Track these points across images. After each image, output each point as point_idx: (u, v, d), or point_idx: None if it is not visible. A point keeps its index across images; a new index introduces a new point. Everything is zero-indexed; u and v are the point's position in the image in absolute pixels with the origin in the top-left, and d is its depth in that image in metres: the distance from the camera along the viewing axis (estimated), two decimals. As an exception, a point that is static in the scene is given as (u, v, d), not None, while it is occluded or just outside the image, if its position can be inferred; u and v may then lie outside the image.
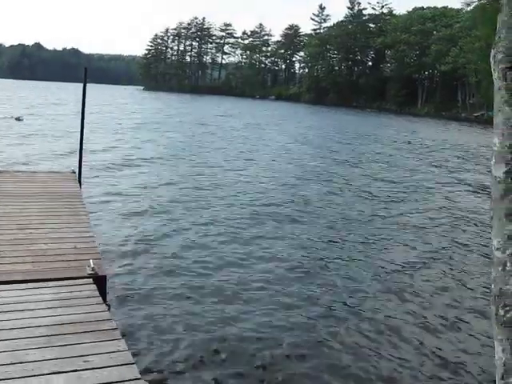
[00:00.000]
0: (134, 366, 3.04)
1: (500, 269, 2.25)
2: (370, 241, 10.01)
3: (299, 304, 6.78)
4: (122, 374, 2.92)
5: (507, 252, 2.21)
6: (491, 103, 2.53)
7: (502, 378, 2.22)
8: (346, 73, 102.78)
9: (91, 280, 4.49)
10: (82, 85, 8.49)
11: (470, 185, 18.03)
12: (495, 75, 2.42)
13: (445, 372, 5.36)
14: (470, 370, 5.41)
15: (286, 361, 5.32)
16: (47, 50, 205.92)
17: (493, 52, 2.45)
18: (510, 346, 2.18)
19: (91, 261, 4.73)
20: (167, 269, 7.67)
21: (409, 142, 32.18)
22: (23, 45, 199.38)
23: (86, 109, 8.73)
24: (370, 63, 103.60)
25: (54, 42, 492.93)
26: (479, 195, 16.07)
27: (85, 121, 8.91)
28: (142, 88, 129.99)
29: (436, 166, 22.21)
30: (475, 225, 11.96)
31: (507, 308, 2.19)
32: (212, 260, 8.24)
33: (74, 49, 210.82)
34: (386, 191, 15.59)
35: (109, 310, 4.04)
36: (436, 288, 7.74)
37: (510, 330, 2.18)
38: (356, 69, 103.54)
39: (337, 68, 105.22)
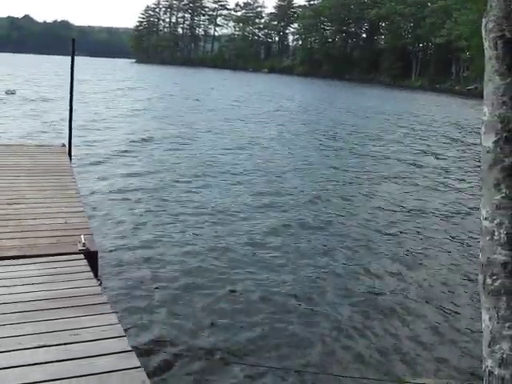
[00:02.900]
0: (125, 338, 3.04)
1: (488, 238, 2.25)
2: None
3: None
4: (113, 346, 2.93)
5: (495, 222, 2.22)
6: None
7: (489, 346, 2.25)
8: (340, 45, 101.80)
9: (82, 256, 4.47)
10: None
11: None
12: (486, 44, 2.39)
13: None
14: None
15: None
16: (37, 22, 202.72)
17: (484, 21, 2.41)
18: (497, 314, 2.20)
19: (82, 236, 4.71)
20: (159, 243, 7.67)
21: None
22: (12, 17, 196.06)
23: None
24: (364, 35, 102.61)
25: (44, 14, 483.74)
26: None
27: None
28: (133, 61, 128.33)
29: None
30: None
31: (494, 277, 2.21)
32: (204, 233, 8.26)
33: (64, 21, 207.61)
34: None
35: (100, 285, 4.04)
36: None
37: (497, 299, 2.20)
38: (350, 41, 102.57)
39: (330, 40, 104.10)
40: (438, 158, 17.69)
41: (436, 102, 48.40)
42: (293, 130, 22.36)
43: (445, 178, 14.35)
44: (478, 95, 50.30)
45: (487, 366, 2.28)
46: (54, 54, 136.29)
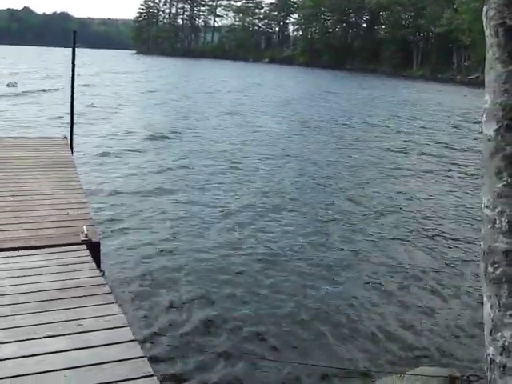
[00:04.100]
0: (128, 328, 3.06)
1: (489, 226, 2.25)
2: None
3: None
4: (117, 336, 2.95)
5: (496, 210, 2.21)
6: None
7: (490, 334, 2.26)
8: (341, 35, 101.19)
9: (85, 246, 4.47)
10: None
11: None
12: (487, 32, 2.38)
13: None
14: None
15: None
16: (37, 14, 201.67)
17: (485, 8, 2.40)
18: (499, 302, 2.20)
19: (84, 227, 4.72)
20: (163, 235, 7.69)
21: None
22: (12, 9, 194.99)
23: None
24: (365, 25, 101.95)
25: (43, 6, 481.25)
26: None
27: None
28: (134, 52, 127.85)
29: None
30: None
31: (496, 265, 2.21)
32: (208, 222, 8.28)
33: (64, 13, 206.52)
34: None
35: (103, 275, 4.05)
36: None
37: (498, 287, 2.20)
38: (350, 31, 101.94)
39: (331, 30, 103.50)
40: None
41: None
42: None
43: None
44: (480, 84, 49.67)
45: (488, 354, 2.28)
46: (53, 46, 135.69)
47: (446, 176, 13.04)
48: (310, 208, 9.59)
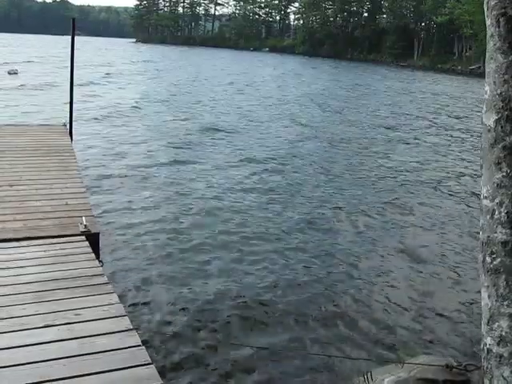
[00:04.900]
0: (126, 317, 3.07)
1: (488, 217, 2.25)
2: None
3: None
4: (114, 325, 2.96)
5: (496, 200, 2.21)
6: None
7: (488, 324, 2.27)
8: (341, 24, 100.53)
9: (84, 237, 4.46)
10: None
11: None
12: (488, 22, 2.37)
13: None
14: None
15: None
16: (36, 1, 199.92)
17: (486, -2, 2.38)
18: (496, 292, 2.21)
19: (84, 218, 4.71)
20: (163, 226, 7.68)
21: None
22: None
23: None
24: (366, 14, 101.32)
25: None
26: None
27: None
28: (133, 40, 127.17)
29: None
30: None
31: (494, 255, 2.22)
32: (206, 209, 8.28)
33: (64, 0, 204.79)
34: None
35: (102, 266, 4.05)
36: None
37: (496, 277, 2.21)
38: (351, 20, 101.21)
39: (332, 19, 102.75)
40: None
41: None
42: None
43: None
44: (480, 75, 49.79)
45: (486, 344, 2.29)
46: (53, 34, 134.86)
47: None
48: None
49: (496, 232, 2.22)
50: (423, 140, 16.86)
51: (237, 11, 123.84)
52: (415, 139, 16.92)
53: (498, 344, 2.22)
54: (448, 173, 12.33)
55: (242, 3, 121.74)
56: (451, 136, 18.11)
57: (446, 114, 24.05)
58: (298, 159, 12.85)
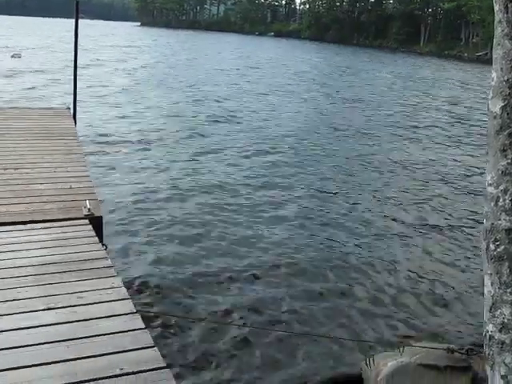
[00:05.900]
0: (129, 301, 3.07)
1: (492, 204, 2.24)
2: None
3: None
4: (117, 308, 2.96)
5: (500, 187, 2.20)
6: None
7: (490, 311, 2.27)
8: (348, 9, 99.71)
9: (87, 221, 4.46)
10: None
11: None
12: (496, 8, 2.33)
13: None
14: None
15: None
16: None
17: (494, -16, 2.35)
18: (499, 279, 2.21)
19: (87, 201, 4.70)
20: (166, 211, 7.71)
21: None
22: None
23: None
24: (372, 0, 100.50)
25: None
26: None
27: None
28: (138, 24, 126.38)
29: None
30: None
31: (498, 243, 2.21)
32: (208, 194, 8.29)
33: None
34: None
35: (105, 249, 4.05)
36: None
37: (499, 265, 2.21)
38: (358, 5, 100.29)
39: (338, 4, 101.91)
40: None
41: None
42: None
43: None
44: (488, 62, 49.22)
45: (488, 331, 2.30)
46: (56, 17, 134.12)
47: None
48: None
49: (500, 219, 2.21)
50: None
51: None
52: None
53: (500, 331, 2.23)
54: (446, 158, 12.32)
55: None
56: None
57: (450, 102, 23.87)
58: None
